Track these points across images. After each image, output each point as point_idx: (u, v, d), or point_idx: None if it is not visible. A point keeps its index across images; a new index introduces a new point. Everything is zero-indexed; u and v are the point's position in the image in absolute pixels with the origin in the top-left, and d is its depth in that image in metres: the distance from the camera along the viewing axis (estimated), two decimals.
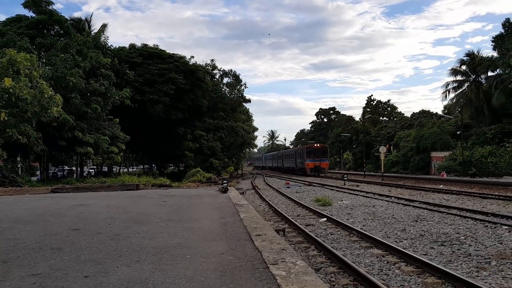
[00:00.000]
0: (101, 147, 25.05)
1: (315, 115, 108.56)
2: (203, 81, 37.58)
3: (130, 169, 61.60)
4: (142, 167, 60.76)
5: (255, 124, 60.20)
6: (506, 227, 10.40)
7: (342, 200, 18.35)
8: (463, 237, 9.38)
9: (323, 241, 9.00)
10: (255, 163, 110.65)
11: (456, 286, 5.77)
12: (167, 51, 37.24)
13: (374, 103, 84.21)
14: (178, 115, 34.97)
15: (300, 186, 29.79)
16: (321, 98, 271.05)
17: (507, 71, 41.14)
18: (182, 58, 37.36)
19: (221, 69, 46.27)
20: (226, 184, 18.87)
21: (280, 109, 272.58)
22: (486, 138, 42.94)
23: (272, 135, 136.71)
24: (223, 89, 45.48)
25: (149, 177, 29.48)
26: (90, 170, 46.06)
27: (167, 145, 36.94)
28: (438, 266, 6.53)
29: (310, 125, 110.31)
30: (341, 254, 7.63)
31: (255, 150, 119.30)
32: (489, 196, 18.72)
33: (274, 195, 22.26)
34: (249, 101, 49.43)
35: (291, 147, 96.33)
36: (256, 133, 61.33)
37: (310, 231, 10.07)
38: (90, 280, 4.25)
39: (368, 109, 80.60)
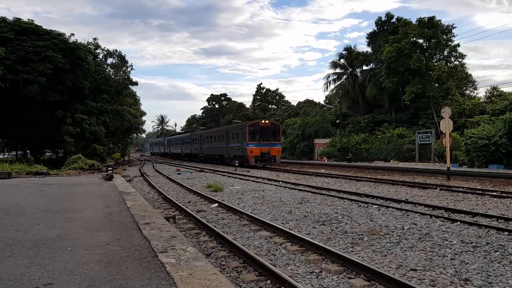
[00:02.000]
0: None
1: (206, 101, 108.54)
2: (85, 60, 34.89)
3: (1, 156, 55.09)
4: (15, 154, 54.76)
5: (143, 108, 57.61)
6: (376, 206, 11.63)
7: (233, 186, 18.73)
8: (340, 217, 10.24)
9: (215, 226, 9.08)
10: (153, 149, 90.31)
11: (334, 261, 6.27)
12: (44, 27, 33.73)
13: (263, 91, 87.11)
14: (57, 97, 32.05)
15: (191, 172, 29.66)
16: (212, 84, 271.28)
17: (378, 66, 45.76)
18: (60, 35, 34.13)
19: (105, 48, 43.49)
20: (111, 171, 17.97)
21: (170, 94, 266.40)
22: (360, 126, 47.48)
23: (162, 120, 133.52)
24: (107, 70, 42.83)
25: (23, 164, 26.67)
26: None
27: (43, 129, 33.69)
28: (319, 244, 7.03)
29: (202, 110, 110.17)
30: (231, 238, 7.77)
31: (143, 135, 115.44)
32: (363, 179, 20.75)
33: (164, 182, 21.82)
34: (136, 83, 47.26)
35: (203, 131, 60.75)
36: (144, 118, 58.52)
37: (201, 217, 10.08)
38: None
39: (258, 97, 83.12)
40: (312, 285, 5.44)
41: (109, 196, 10.94)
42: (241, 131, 34.89)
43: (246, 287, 5.40)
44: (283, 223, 9.68)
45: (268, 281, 5.51)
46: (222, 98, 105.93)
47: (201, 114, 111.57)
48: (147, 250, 4.88)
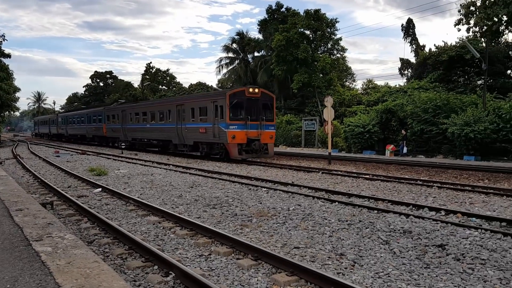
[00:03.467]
0: None
1: (90, 78, 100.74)
2: None
3: None
4: None
5: (17, 83, 51.49)
6: (265, 189, 12.09)
7: (119, 169, 17.86)
8: (231, 200, 10.43)
9: (97, 212, 8.58)
10: (39, 129, 71.86)
11: (223, 243, 6.37)
12: None
13: (153, 71, 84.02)
14: None
15: (72, 155, 27.54)
16: (96, 60, 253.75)
17: (269, 53, 47.26)
18: None
19: None
20: None
21: (49, 69, 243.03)
22: None
23: (39, 97, 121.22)
24: None
25: None
26: None
27: None
28: (209, 227, 7.07)
29: (84, 88, 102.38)
30: (116, 224, 7.42)
31: (17, 113, 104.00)
32: (253, 163, 21.37)
33: (41, 165, 19.94)
34: (8, 56, 42.17)
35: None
36: (18, 94, 52.37)
37: (82, 203, 9.44)
38: None
39: (147, 77, 79.99)
40: (201, 268, 5.45)
41: None
42: (212, 105, 22.08)
43: (132, 273, 5.20)
44: (172, 207, 9.52)
45: (156, 267, 5.39)
46: (108, 75, 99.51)
47: (83, 92, 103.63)
48: (20, 238, 4.42)
